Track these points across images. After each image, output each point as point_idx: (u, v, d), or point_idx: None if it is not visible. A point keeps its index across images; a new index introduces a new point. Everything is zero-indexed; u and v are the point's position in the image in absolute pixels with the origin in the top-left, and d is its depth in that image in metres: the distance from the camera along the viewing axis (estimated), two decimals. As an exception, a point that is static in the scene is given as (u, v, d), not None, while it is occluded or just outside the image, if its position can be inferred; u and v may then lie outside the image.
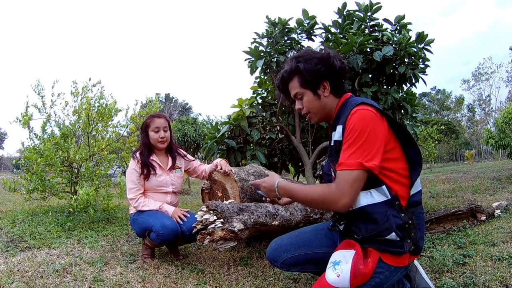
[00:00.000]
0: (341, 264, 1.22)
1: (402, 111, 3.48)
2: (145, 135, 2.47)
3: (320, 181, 1.69)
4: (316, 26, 3.52)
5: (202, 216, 1.83)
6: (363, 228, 1.25)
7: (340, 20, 3.52)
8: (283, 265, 1.47)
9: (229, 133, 3.73)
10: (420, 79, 3.33)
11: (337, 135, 1.27)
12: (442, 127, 21.10)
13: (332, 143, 1.32)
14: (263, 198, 1.56)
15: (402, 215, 1.21)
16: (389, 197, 1.21)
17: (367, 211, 1.23)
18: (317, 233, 1.51)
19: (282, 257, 1.47)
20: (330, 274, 1.22)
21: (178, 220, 2.34)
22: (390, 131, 1.24)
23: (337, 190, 1.18)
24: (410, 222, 1.21)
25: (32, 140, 4.15)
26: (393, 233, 1.19)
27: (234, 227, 1.80)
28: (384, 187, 1.21)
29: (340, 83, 1.35)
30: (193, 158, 2.68)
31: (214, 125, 4.15)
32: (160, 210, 2.39)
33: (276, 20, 3.50)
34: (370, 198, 1.23)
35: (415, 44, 3.21)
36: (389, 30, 3.40)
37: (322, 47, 1.40)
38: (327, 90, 1.33)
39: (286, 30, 3.48)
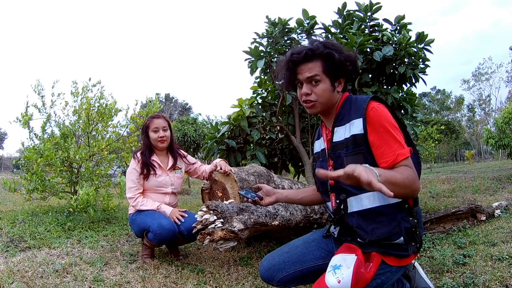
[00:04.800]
0: (342, 268, 1.19)
1: (402, 111, 3.48)
2: (146, 136, 2.50)
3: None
4: (316, 26, 3.52)
5: (202, 216, 1.83)
6: (371, 231, 1.21)
7: (340, 20, 3.52)
8: (280, 283, 1.44)
9: (229, 133, 3.73)
10: (420, 79, 3.33)
11: (356, 129, 1.22)
12: (442, 127, 21.12)
13: (347, 137, 1.24)
14: (245, 199, 1.51)
15: (411, 218, 1.20)
16: (401, 199, 1.20)
17: (378, 213, 1.20)
18: (309, 246, 1.47)
19: (277, 276, 1.43)
20: (330, 279, 1.19)
21: (176, 220, 2.34)
22: None
23: (414, 173, 1.14)
24: (416, 224, 1.21)
25: (32, 140, 4.16)
26: (401, 238, 1.18)
27: (234, 227, 1.80)
28: None
29: (348, 84, 1.39)
30: (194, 161, 2.68)
31: (214, 125, 4.15)
32: (158, 210, 2.39)
33: (276, 20, 3.50)
34: (383, 199, 1.20)
35: (415, 44, 3.21)
36: (389, 30, 3.40)
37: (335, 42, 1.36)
38: (340, 86, 1.33)
39: (286, 30, 3.48)
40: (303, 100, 1.32)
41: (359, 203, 1.24)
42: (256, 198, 1.48)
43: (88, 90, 4.43)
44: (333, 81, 1.29)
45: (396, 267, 1.22)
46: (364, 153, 1.20)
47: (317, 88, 1.28)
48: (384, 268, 1.20)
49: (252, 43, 3.49)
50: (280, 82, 1.43)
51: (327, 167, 1.34)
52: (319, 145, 1.45)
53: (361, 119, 1.21)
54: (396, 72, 3.23)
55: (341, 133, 1.27)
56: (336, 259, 1.24)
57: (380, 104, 1.24)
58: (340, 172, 0.99)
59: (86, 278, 2.06)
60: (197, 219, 1.84)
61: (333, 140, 1.30)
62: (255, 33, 3.53)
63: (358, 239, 1.25)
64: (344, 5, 3.47)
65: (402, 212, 1.20)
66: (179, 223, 2.34)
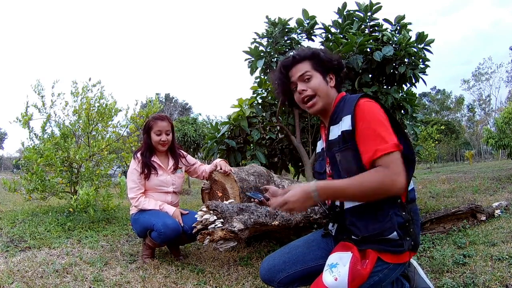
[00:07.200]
0: (338, 266, 1.21)
1: (402, 111, 3.48)
2: (147, 136, 2.48)
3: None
4: (316, 26, 3.52)
5: (202, 216, 1.83)
6: (363, 227, 1.22)
7: (340, 20, 3.52)
8: (280, 284, 1.44)
9: (229, 133, 3.73)
10: (420, 79, 3.33)
11: (345, 125, 1.24)
12: (442, 127, 21.09)
13: (339, 134, 1.27)
14: (252, 199, 1.53)
15: (404, 213, 1.20)
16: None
17: (369, 208, 1.21)
18: (309, 246, 1.47)
19: (278, 277, 1.43)
20: (327, 277, 1.20)
21: (180, 220, 2.34)
22: None
23: (389, 171, 1.10)
24: (409, 219, 1.21)
25: (32, 140, 4.16)
26: (395, 232, 1.18)
27: (234, 227, 1.80)
28: None
29: (341, 83, 1.43)
30: (194, 161, 2.68)
31: (214, 125, 4.15)
32: (160, 210, 2.39)
33: (276, 20, 3.50)
34: None
35: (415, 44, 3.21)
36: (389, 30, 3.40)
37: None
38: (332, 81, 1.39)
39: (286, 30, 3.48)
40: (302, 99, 1.38)
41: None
42: (262, 198, 1.51)
43: (88, 90, 4.44)
44: (324, 75, 1.37)
45: (393, 264, 1.22)
46: (352, 148, 1.22)
47: (311, 83, 1.36)
48: (381, 265, 1.20)
49: (252, 43, 3.49)
50: (276, 93, 1.51)
51: (325, 166, 1.39)
52: (320, 145, 1.48)
53: (350, 115, 1.23)
54: (396, 72, 3.23)
55: (335, 132, 1.30)
56: (333, 258, 1.26)
57: (370, 101, 1.25)
58: (278, 202, 1.24)
59: (86, 278, 2.06)
60: (197, 219, 1.84)
61: (329, 139, 1.33)
62: (255, 33, 3.54)
63: (353, 236, 1.27)
64: (344, 5, 3.47)
65: (394, 207, 1.20)
66: (182, 224, 2.33)
